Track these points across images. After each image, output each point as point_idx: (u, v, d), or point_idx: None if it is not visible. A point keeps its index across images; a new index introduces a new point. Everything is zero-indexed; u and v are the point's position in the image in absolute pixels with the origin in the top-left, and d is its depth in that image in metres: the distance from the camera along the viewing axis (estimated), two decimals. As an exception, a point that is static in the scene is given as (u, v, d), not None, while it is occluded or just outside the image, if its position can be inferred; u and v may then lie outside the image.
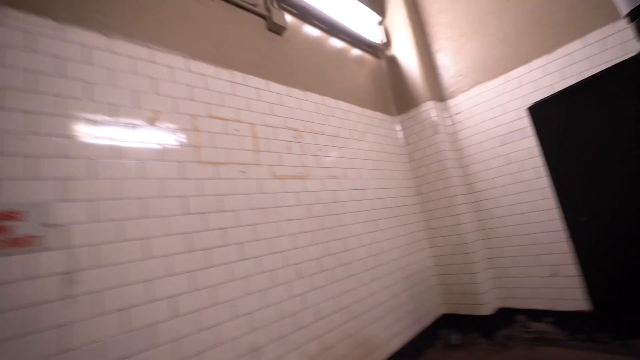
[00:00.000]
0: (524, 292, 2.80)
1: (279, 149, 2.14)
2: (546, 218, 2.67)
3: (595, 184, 1.53)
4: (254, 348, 1.63)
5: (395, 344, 2.43)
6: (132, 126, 1.51)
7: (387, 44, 3.61)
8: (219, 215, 1.70)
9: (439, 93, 3.36)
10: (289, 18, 2.66)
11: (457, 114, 3.25)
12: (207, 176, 1.71)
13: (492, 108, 2.99)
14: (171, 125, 1.65)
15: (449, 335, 2.89)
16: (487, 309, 2.81)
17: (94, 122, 1.40)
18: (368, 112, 3.12)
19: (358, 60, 3.31)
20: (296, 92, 2.45)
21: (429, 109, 3.22)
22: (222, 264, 1.64)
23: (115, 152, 1.43)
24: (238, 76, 2.07)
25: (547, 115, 1.70)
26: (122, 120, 1.49)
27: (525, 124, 2.77)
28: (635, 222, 1.43)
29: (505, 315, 2.88)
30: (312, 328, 1.92)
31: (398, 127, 3.44)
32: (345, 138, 2.71)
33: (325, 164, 2.43)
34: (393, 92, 3.54)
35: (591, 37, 2.44)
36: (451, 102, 3.29)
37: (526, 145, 2.77)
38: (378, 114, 3.24)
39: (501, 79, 2.93)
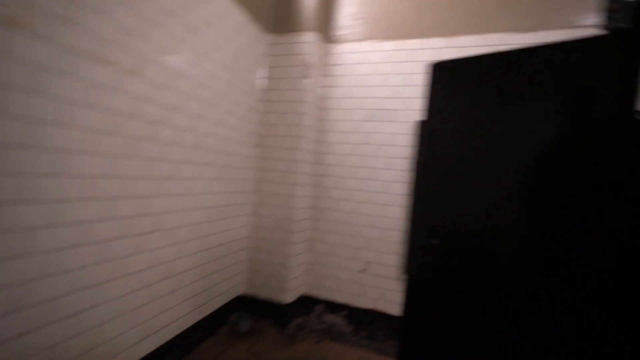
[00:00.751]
0: (331, 282, 2.56)
1: None
2: (378, 212, 2.43)
3: (466, 203, 1.11)
4: None
5: (149, 346, 1.62)
6: None
7: None
8: None
9: (327, 30, 2.58)
10: None
11: (337, 65, 2.59)
12: None
13: (374, 74, 2.48)
14: None
15: (239, 320, 2.36)
16: (290, 296, 2.42)
17: None
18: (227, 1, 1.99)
19: None
20: None
21: (309, 43, 2.41)
22: None
23: None
24: None
25: (449, 85, 1.17)
26: None
27: (398, 106, 2.39)
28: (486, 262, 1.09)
29: (306, 304, 2.59)
30: None
31: (264, 49, 2.47)
32: (167, 9, 1.52)
33: (97, 28, 1.21)
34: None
35: (493, 38, 2.19)
36: (337, 48, 2.59)
37: (390, 129, 2.41)
38: (243, 16, 2.15)
39: (396, 44, 2.42)
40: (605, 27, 0.98)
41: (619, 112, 0.89)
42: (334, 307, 2.54)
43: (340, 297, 2.53)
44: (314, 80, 2.47)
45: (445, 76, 1.16)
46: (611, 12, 0.94)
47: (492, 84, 1.05)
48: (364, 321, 2.45)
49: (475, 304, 1.11)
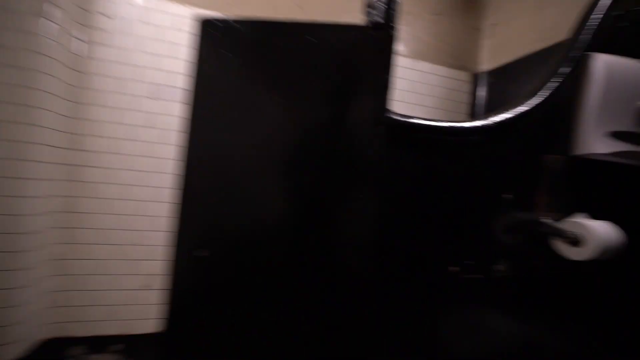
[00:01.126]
0: (98, 311, 1.89)
1: None
2: (167, 212, 1.99)
3: (238, 201, 0.91)
4: None
5: None
6: None
7: None
8: None
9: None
10: None
11: (107, 17, 1.90)
12: None
13: (160, 40, 1.98)
14: None
15: None
16: (13, 351, 1.58)
17: None
18: None
19: None
20: None
21: (48, -32, 1.62)
22: None
23: None
24: None
25: (219, 50, 0.93)
26: None
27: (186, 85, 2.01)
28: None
29: (52, 351, 1.79)
30: None
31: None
32: None
33: None
34: None
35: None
36: (102, -8, 1.90)
37: (180, 112, 2.00)
38: None
39: (188, 11, 2.02)
40: (366, 22, 0.98)
41: (372, 106, 0.92)
42: (102, 343, 1.89)
43: (113, 328, 1.91)
44: (62, 27, 1.70)
45: (216, 39, 0.91)
46: (370, 7, 0.95)
47: (267, 55, 0.89)
48: (148, 349, 1.95)
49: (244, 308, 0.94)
